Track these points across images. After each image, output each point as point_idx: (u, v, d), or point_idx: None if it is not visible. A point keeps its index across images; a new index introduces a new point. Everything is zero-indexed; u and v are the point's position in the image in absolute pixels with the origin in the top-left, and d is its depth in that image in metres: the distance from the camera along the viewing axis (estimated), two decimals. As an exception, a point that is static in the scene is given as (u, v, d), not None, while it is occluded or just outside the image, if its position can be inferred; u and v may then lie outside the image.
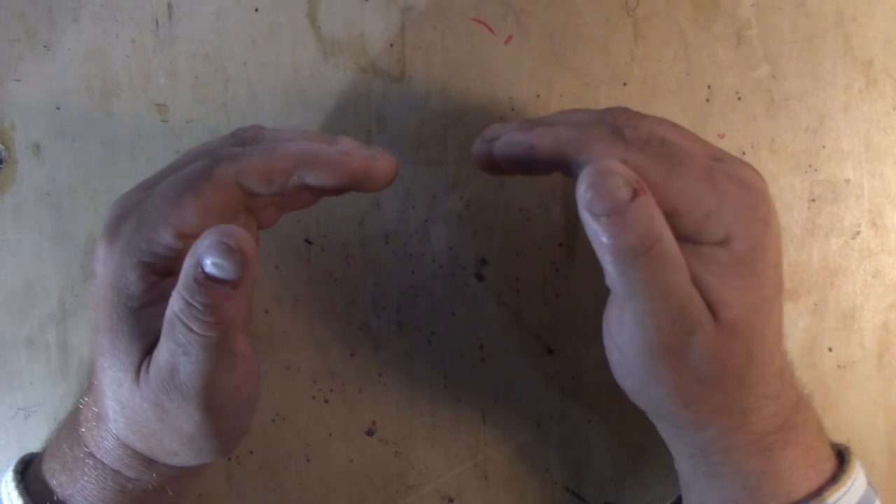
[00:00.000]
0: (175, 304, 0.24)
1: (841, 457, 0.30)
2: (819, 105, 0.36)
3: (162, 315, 0.26)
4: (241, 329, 0.28)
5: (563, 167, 0.28)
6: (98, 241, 0.27)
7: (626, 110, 0.30)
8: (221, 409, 0.27)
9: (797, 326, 0.37)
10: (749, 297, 0.26)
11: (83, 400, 0.29)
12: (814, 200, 0.37)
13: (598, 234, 0.25)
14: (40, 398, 0.38)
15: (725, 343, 0.26)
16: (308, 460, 0.38)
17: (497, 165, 0.29)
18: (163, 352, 0.25)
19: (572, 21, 0.36)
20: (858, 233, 0.37)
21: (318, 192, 0.31)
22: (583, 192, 0.24)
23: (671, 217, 0.26)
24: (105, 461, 0.28)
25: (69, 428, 0.29)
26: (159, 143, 0.37)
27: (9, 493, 0.29)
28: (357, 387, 0.37)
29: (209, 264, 0.23)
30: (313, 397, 0.37)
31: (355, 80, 0.36)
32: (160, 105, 0.37)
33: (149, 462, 0.28)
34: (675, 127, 0.29)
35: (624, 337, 0.27)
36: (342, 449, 0.38)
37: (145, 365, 0.26)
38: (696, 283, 0.26)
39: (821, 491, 0.28)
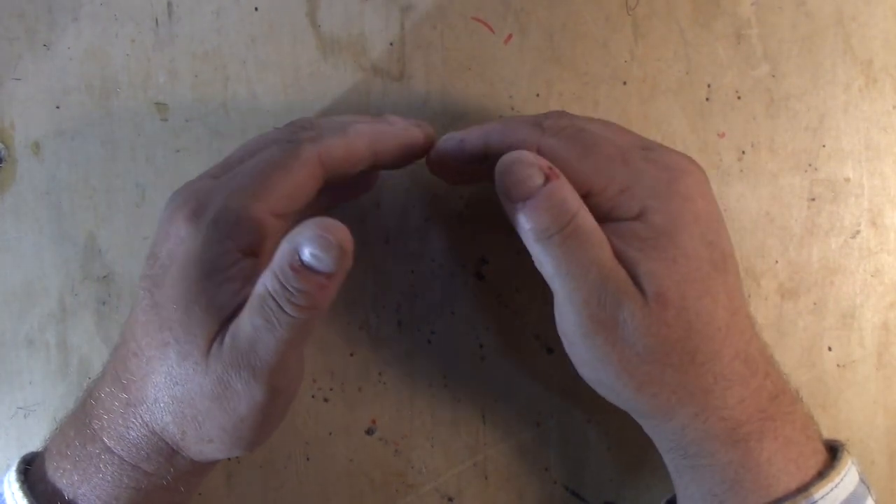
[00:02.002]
0: (268, 282, 0.25)
1: (834, 453, 0.30)
2: (819, 104, 0.36)
3: (237, 293, 0.26)
4: None
5: (492, 160, 0.29)
6: (169, 222, 0.27)
7: (562, 112, 0.32)
8: (280, 392, 0.27)
9: (797, 326, 0.37)
10: (674, 268, 0.27)
11: (102, 392, 0.29)
12: (813, 199, 0.37)
13: (517, 220, 0.27)
14: (40, 397, 0.38)
15: (657, 314, 0.27)
16: (308, 459, 0.38)
17: (441, 167, 0.32)
18: (246, 326, 0.26)
19: (572, 20, 0.36)
20: (858, 232, 0.37)
21: (336, 197, 0.34)
22: (499, 181, 0.27)
23: (587, 197, 0.28)
24: (123, 455, 0.28)
25: (78, 425, 0.29)
26: (159, 142, 0.37)
27: (13, 494, 0.29)
28: (357, 386, 0.37)
29: (308, 254, 0.24)
30: (313, 396, 0.37)
31: (355, 80, 0.36)
32: (160, 104, 0.37)
33: (170, 454, 0.28)
34: (606, 123, 0.31)
35: (562, 321, 0.29)
36: (342, 448, 0.38)
37: (219, 339, 0.26)
38: (620, 258, 0.27)
39: (807, 487, 0.28)
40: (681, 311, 0.27)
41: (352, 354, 0.37)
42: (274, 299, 0.25)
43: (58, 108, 0.37)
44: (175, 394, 0.27)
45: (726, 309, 0.28)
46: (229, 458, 0.37)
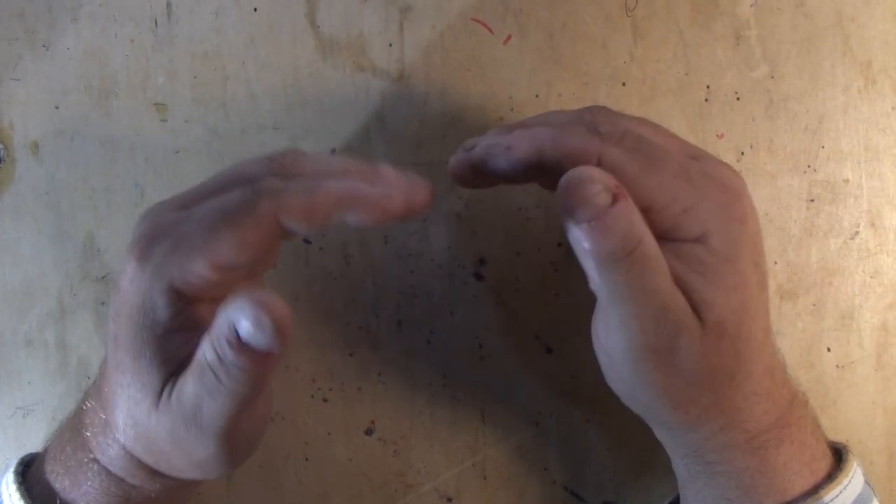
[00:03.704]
0: (207, 353, 0.24)
1: (838, 455, 0.30)
2: (818, 105, 0.36)
3: (187, 342, 0.25)
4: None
5: (542, 172, 0.27)
6: (127, 256, 0.26)
7: (603, 109, 0.30)
8: (235, 442, 0.27)
9: (796, 326, 0.37)
10: (733, 297, 0.26)
11: (89, 403, 0.29)
12: (812, 201, 0.37)
13: (580, 240, 0.25)
14: (39, 397, 0.38)
15: (713, 344, 0.26)
16: (307, 459, 0.38)
17: (475, 176, 0.29)
18: (189, 388, 0.25)
19: (571, 21, 0.36)
20: (857, 233, 0.37)
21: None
22: (563, 198, 0.25)
23: (647, 212, 0.26)
24: (109, 468, 0.28)
25: (72, 430, 0.29)
26: (158, 143, 0.37)
27: (10, 496, 0.29)
28: (356, 386, 0.37)
29: (244, 330, 0.23)
30: (312, 396, 0.37)
31: (354, 80, 0.36)
32: (159, 104, 0.37)
33: (152, 473, 0.28)
34: (654, 126, 0.29)
35: (611, 341, 0.27)
36: (341, 448, 0.38)
37: (167, 391, 0.26)
38: (680, 283, 0.26)
39: (817, 489, 0.28)
40: (734, 340, 0.26)
41: (351, 354, 0.37)
42: (212, 370, 0.24)
43: (57, 108, 0.37)
44: (138, 431, 0.27)
45: (762, 328, 0.28)
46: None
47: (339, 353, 0.37)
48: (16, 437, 0.38)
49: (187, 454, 0.27)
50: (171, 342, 0.26)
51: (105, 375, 0.28)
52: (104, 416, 0.28)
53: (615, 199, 0.24)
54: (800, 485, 0.28)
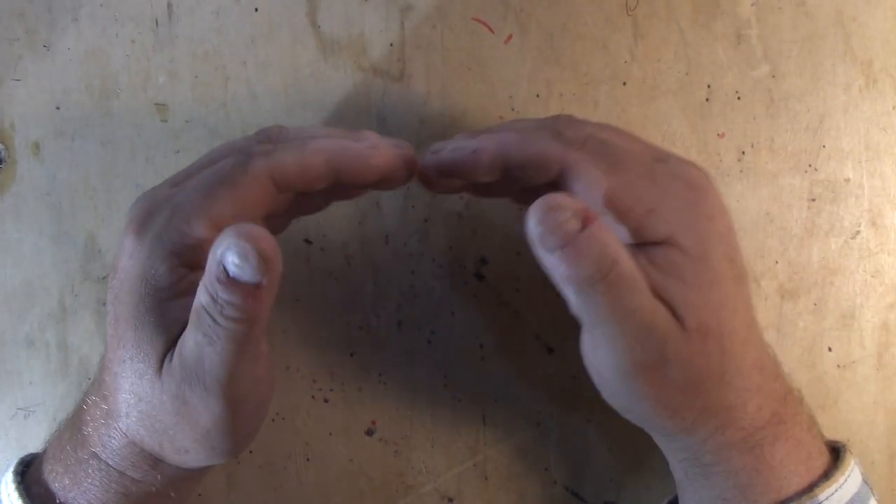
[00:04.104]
0: (201, 296, 0.24)
1: (837, 454, 0.30)
2: (819, 105, 0.36)
3: (188, 307, 0.26)
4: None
5: (508, 181, 0.28)
6: (124, 234, 0.27)
7: (569, 116, 0.30)
8: (241, 402, 0.27)
9: (797, 326, 0.37)
10: (710, 295, 0.26)
11: (89, 399, 0.29)
12: (813, 200, 0.37)
13: (555, 267, 0.25)
14: (40, 398, 0.38)
15: (698, 346, 0.26)
16: (308, 460, 0.38)
17: (441, 177, 0.29)
18: (189, 342, 0.25)
19: (572, 21, 0.36)
20: (858, 232, 0.37)
21: (335, 194, 0.31)
22: (533, 227, 0.25)
23: (612, 213, 0.26)
24: (110, 462, 0.28)
25: (72, 429, 0.29)
26: (159, 143, 0.37)
27: (9, 496, 0.29)
28: (357, 386, 0.37)
29: (231, 264, 0.23)
30: (313, 397, 0.37)
31: (355, 80, 0.36)
32: (160, 104, 0.37)
33: (154, 462, 0.28)
34: (617, 130, 0.30)
35: (599, 360, 0.27)
36: (342, 448, 0.38)
37: (169, 356, 0.26)
38: (656, 289, 0.26)
39: (812, 487, 0.28)
40: (718, 338, 0.26)
41: (352, 355, 0.37)
42: (208, 313, 0.24)
43: (58, 108, 0.37)
44: (141, 409, 0.27)
45: (744, 322, 0.28)
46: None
47: (340, 353, 0.37)
48: (17, 437, 0.38)
49: (192, 423, 0.26)
50: (173, 308, 0.26)
51: (105, 365, 0.28)
52: (105, 407, 0.28)
53: (585, 222, 0.24)
54: (795, 483, 0.28)
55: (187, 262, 0.26)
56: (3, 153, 0.37)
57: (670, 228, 0.26)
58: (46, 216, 0.37)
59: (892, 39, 0.36)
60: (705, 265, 0.27)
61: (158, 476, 0.28)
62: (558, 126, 0.29)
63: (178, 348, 0.26)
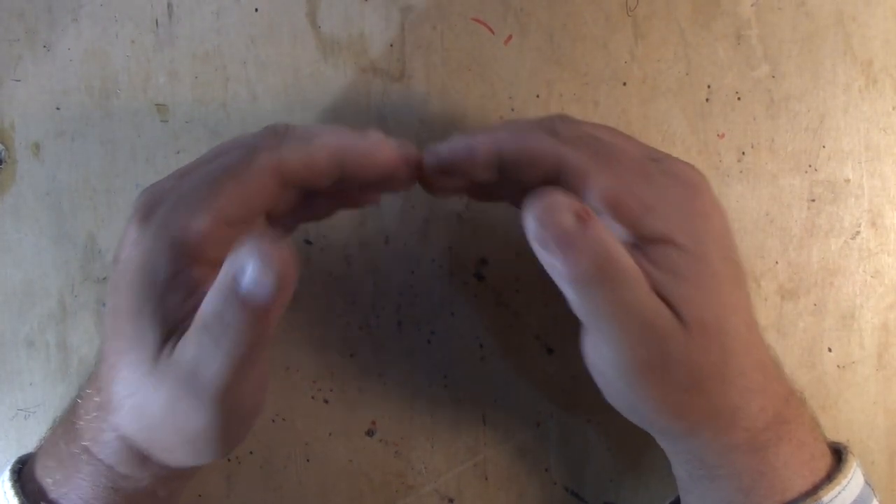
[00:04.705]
0: (208, 306, 0.24)
1: (838, 456, 0.30)
2: (819, 105, 0.36)
3: (185, 302, 0.25)
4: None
5: (502, 171, 0.28)
6: (128, 223, 0.27)
7: (564, 115, 0.30)
8: (230, 412, 0.26)
9: (797, 326, 0.37)
10: (710, 293, 0.26)
11: (84, 392, 0.29)
12: (813, 200, 0.37)
13: (553, 265, 0.25)
14: (40, 398, 0.38)
15: (698, 343, 0.26)
16: (308, 460, 0.38)
17: (438, 178, 0.29)
18: (189, 347, 0.25)
19: (572, 21, 0.36)
20: (858, 233, 0.37)
21: (336, 201, 0.31)
22: (531, 225, 0.25)
23: (608, 212, 0.26)
24: (100, 456, 0.28)
25: (66, 424, 0.29)
26: (159, 143, 0.37)
27: (5, 493, 0.29)
28: (357, 387, 0.37)
29: (246, 279, 0.23)
30: (313, 397, 0.37)
31: (355, 80, 0.36)
32: (160, 105, 0.37)
33: (143, 459, 0.28)
34: (612, 130, 0.30)
35: (601, 360, 0.27)
36: (342, 449, 0.38)
37: (166, 351, 0.26)
38: (656, 287, 0.26)
39: (816, 489, 0.28)
40: (718, 336, 0.26)
41: (352, 355, 0.37)
42: (213, 325, 0.24)
43: (58, 108, 0.37)
44: (133, 403, 0.26)
45: (744, 321, 0.28)
46: (228, 459, 0.37)
47: (340, 353, 0.37)
48: (17, 438, 0.38)
49: (181, 425, 0.26)
50: (171, 300, 0.26)
51: (101, 357, 0.28)
52: (98, 399, 0.28)
53: (582, 220, 0.24)
54: (799, 485, 0.28)
55: (189, 254, 0.26)
56: (3, 153, 0.37)
57: (668, 226, 0.26)
58: (46, 216, 0.37)
59: (892, 39, 0.36)
60: (704, 263, 0.26)
61: (147, 473, 0.28)
62: (554, 124, 0.29)
63: (177, 349, 0.25)
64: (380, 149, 0.28)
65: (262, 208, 0.27)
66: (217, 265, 0.25)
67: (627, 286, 0.25)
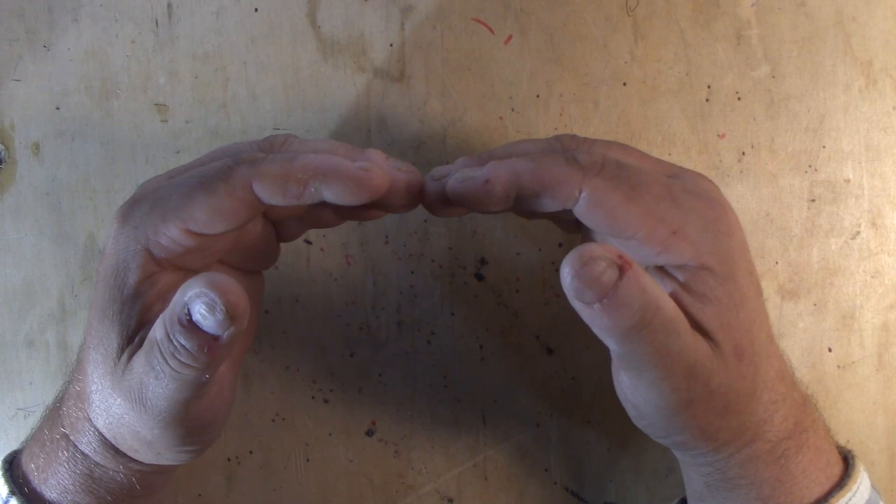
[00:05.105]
0: (158, 332, 0.24)
1: (846, 460, 0.30)
2: (819, 105, 0.36)
3: (149, 309, 0.26)
4: (229, 359, 0.28)
5: (519, 202, 0.27)
6: (114, 219, 0.27)
7: (574, 137, 0.30)
8: (182, 426, 0.26)
9: (797, 326, 0.37)
10: (742, 315, 0.26)
11: (72, 376, 0.29)
12: (813, 200, 0.37)
13: (595, 319, 0.24)
14: (40, 398, 0.38)
15: (735, 369, 0.26)
16: (308, 460, 0.38)
17: (447, 204, 0.28)
18: (139, 362, 0.25)
19: (572, 21, 0.36)
20: (858, 233, 0.37)
21: (341, 213, 0.30)
22: (569, 282, 0.23)
23: (635, 239, 0.26)
24: (77, 444, 0.28)
25: (51, 410, 0.30)
26: (159, 143, 0.37)
27: None
28: (357, 387, 0.37)
29: (196, 311, 0.23)
30: (313, 397, 0.37)
31: (355, 80, 0.36)
32: (160, 105, 0.37)
33: (116, 451, 0.28)
34: (625, 148, 0.29)
35: (640, 399, 0.27)
36: (342, 449, 0.38)
37: (124, 357, 0.26)
38: (692, 316, 0.26)
39: (828, 497, 0.28)
40: (751, 358, 0.26)
41: (352, 355, 0.37)
42: (160, 350, 0.24)
43: (58, 108, 0.37)
44: (100, 398, 0.27)
45: (766, 333, 0.28)
46: (228, 459, 0.37)
47: (340, 353, 0.37)
48: (17, 438, 0.38)
49: (134, 431, 0.26)
50: (134, 307, 0.26)
51: (83, 344, 0.28)
52: (78, 388, 0.28)
53: (622, 270, 0.23)
54: (816, 491, 0.28)
55: (159, 261, 0.26)
56: (3, 153, 0.37)
57: (696, 249, 0.26)
58: (46, 216, 0.37)
59: (892, 39, 0.36)
60: (734, 284, 0.26)
61: (121, 466, 0.28)
62: (568, 148, 0.28)
63: (133, 359, 0.25)
64: (366, 175, 0.25)
65: (237, 221, 0.26)
66: (190, 273, 0.25)
67: (672, 333, 0.25)
